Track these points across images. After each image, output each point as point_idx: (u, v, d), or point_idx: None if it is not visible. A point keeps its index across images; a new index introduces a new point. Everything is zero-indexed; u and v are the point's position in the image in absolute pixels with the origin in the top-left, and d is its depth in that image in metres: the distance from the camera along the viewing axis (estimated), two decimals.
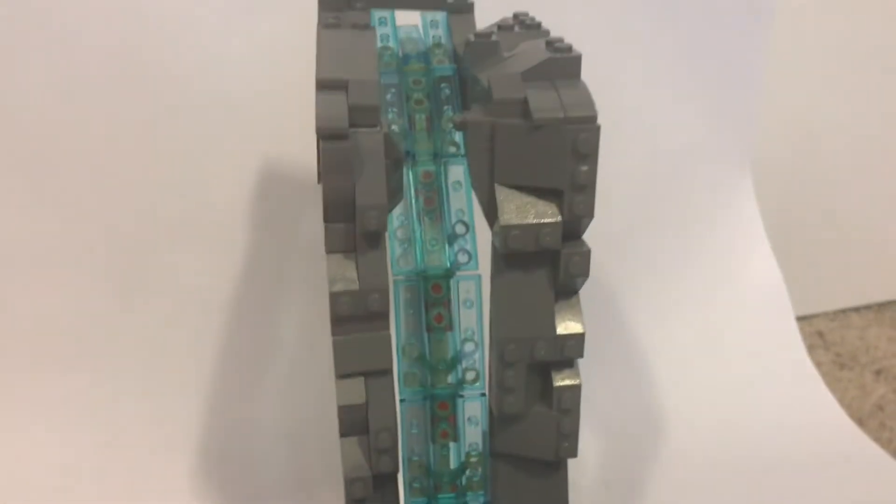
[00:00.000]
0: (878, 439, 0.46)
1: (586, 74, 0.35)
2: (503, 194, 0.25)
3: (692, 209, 0.52)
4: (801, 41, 0.57)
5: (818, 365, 0.52)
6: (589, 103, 0.25)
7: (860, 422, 0.48)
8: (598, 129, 0.25)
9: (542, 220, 0.25)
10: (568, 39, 0.29)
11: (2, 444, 0.40)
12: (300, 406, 0.42)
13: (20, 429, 0.41)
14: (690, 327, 0.52)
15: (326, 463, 0.39)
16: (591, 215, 0.25)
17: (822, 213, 0.61)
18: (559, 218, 0.25)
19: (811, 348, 0.53)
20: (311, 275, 0.43)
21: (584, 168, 0.25)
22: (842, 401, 0.49)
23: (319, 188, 0.26)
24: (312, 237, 0.42)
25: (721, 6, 0.49)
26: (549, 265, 0.26)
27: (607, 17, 0.46)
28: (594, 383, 0.46)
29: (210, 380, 0.43)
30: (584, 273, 0.26)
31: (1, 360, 0.42)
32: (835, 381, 0.51)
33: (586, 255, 0.26)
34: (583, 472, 0.43)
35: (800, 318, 0.55)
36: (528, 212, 0.25)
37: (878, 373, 0.52)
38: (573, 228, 0.26)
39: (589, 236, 0.38)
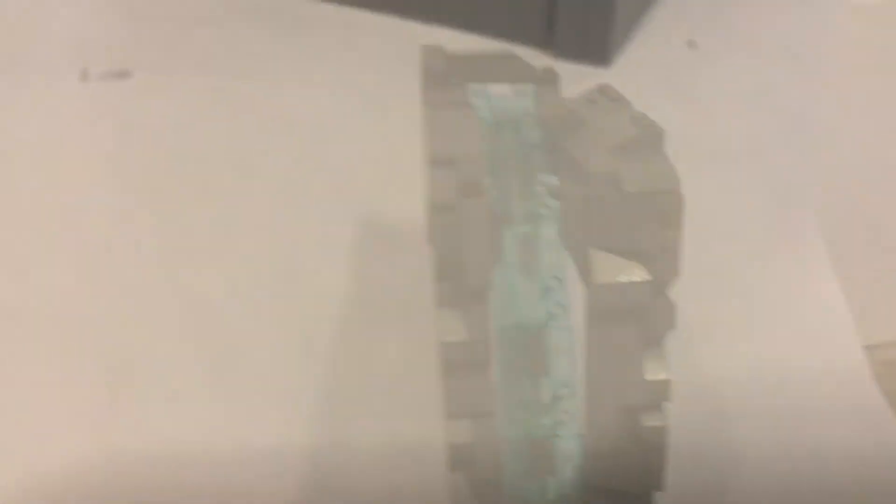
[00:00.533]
0: None
1: None
2: (595, 255, 0.28)
3: (752, 237, 0.54)
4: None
5: (886, 394, 0.53)
6: (673, 176, 0.28)
7: None
8: (681, 198, 0.28)
9: (632, 279, 0.28)
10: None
11: None
12: (396, 442, 0.46)
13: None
14: (753, 355, 0.54)
15: (421, 494, 0.42)
16: (676, 275, 0.28)
17: (890, 238, 0.62)
18: (647, 277, 0.28)
19: (879, 377, 0.55)
20: (406, 324, 0.46)
21: (670, 233, 0.28)
22: None
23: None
24: (406, 291, 0.46)
25: None
26: (637, 319, 0.29)
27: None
28: None
29: (314, 418, 0.47)
30: (671, 325, 0.29)
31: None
32: None
33: (672, 309, 0.28)
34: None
35: (869, 347, 0.57)
36: (618, 271, 0.28)
37: None
38: (660, 286, 0.28)
39: None
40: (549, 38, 0.60)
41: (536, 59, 0.48)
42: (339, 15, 0.62)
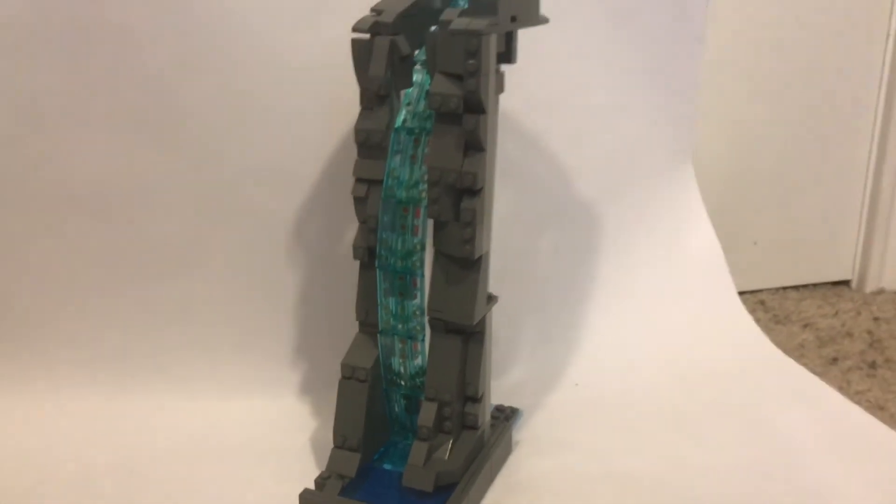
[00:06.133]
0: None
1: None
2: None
3: (638, 191, 0.61)
4: (734, 45, 0.68)
5: (757, 321, 0.62)
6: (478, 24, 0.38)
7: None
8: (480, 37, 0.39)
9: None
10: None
11: None
12: None
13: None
14: (633, 295, 0.61)
15: None
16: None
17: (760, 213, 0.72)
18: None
19: (752, 311, 0.64)
20: None
21: (472, 62, 0.39)
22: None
23: None
24: None
25: (657, 22, 0.59)
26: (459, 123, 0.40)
27: (567, 37, 0.57)
28: (553, 335, 0.58)
29: None
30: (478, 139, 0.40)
31: None
32: (768, 332, 0.62)
33: (483, 120, 0.40)
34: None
35: (746, 292, 0.66)
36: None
37: (805, 326, 0.63)
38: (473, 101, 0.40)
39: (550, 213, 0.53)
40: None
41: None
42: None
